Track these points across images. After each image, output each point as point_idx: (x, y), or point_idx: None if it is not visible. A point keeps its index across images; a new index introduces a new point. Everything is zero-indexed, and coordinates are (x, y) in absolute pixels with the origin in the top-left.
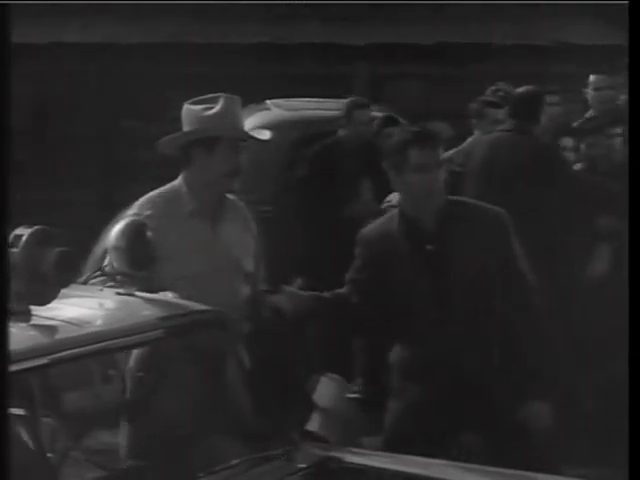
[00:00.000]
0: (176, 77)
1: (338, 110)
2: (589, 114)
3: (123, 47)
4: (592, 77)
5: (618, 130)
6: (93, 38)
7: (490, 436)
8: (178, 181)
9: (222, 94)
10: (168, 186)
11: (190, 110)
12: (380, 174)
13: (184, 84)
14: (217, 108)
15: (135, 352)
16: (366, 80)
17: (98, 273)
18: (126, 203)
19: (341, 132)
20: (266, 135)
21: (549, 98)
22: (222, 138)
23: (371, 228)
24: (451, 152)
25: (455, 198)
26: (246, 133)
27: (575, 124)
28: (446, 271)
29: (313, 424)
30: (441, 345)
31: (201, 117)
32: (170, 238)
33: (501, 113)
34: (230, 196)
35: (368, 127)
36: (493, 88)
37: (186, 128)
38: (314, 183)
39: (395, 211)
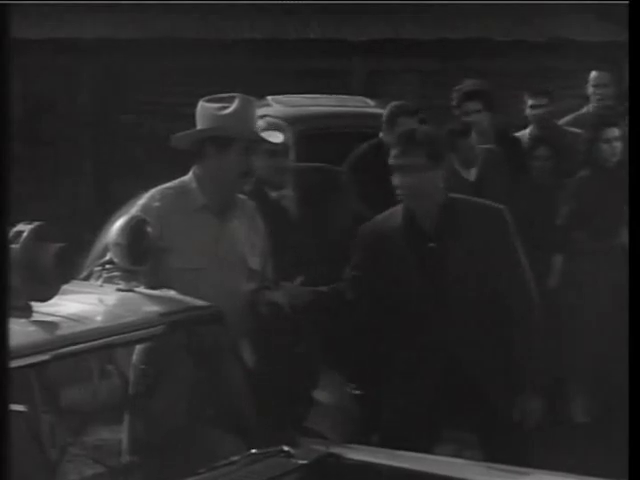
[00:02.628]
0: (173, 73)
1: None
2: (586, 109)
3: (119, 42)
4: (593, 74)
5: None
6: (89, 33)
7: (487, 432)
8: (188, 176)
9: (238, 94)
10: (178, 180)
11: (205, 108)
12: None
13: (181, 80)
14: (232, 108)
15: (138, 346)
16: (364, 75)
17: (108, 265)
18: (125, 199)
19: (382, 136)
20: (279, 138)
21: (538, 100)
22: (235, 139)
23: (373, 223)
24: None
25: (456, 196)
26: (259, 135)
27: (570, 117)
28: (446, 268)
29: (313, 420)
30: (441, 342)
31: (216, 116)
32: (177, 231)
33: (478, 105)
34: (240, 195)
35: None
36: (468, 82)
37: (200, 125)
38: (355, 186)
39: (398, 207)
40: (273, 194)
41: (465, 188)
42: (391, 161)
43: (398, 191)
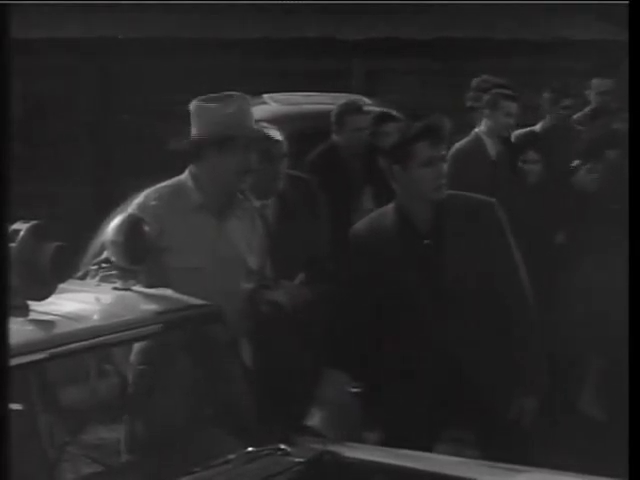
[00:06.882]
0: (171, 72)
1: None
2: (589, 108)
3: (118, 42)
4: (595, 80)
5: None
6: (89, 33)
7: (485, 431)
8: (185, 175)
9: (234, 93)
10: (175, 179)
11: (203, 107)
12: (381, 180)
13: (179, 79)
14: (231, 107)
15: (136, 345)
16: (363, 74)
17: (105, 264)
18: (123, 198)
19: (335, 138)
20: (277, 136)
21: (549, 95)
22: (234, 137)
23: (363, 224)
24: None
25: (448, 192)
26: (259, 133)
27: (575, 116)
28: (444, 265)
29: (313, 419)
30: (438, 340)
31: (215, 115)
32: (175, 230)
33: (514, 107)
34: (239, 195)
35: (363, 133)
36: (478, 79)
37: (196, 125)
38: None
39: (388, 207)
40: (257, 203)
41: (485, 164)
42: (423, 153)
43: (404, 188)
